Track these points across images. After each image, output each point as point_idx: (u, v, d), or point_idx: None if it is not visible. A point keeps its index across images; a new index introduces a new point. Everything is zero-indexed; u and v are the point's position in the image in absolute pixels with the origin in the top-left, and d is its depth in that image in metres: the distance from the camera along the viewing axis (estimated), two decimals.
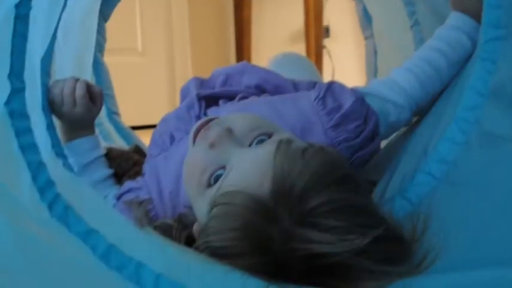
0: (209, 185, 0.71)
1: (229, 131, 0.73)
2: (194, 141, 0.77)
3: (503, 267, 0.61)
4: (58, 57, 1.19)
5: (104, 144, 1.22)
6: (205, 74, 1.13)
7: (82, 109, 1.02)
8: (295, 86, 1.07)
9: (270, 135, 0.73)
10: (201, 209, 0.70)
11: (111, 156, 1.14)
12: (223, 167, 0.70)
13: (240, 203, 0.60)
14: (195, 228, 0.74)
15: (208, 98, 1.03)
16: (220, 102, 1.02)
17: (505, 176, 0.70)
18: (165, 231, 0.75)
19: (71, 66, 1.36)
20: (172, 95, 3.36)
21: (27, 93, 0.71)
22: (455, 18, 0.95)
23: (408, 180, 0.75)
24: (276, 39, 3.63)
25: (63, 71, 1.26)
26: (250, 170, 0.65)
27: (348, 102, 0.90)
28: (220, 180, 0.68)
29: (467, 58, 0.91)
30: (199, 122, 0.79)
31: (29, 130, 0.68)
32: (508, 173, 0.70)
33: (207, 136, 0.74)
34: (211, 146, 0.72)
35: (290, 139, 0.68)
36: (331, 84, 0.94)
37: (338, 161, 0.65)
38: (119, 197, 0.96)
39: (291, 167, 0.61)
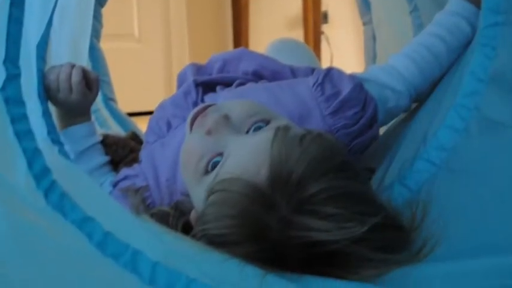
0: (206, 172, 0.70)
1: (227, 118, 0.72)
2: (191, 128, 0.77)
3: (503, 255, 0.61)
4: (54, 43, 1.17)
5: (100, 131, 1.22)
6: (203, 60, 1.13)
7: (78, 95, 1.02)
8: (293, 72, 1.06)
9: (267, 122, 0.72)
10: (198, 196, 0.69)
11: (107, 143, 1.13)
12: (221, 154, 0.69)
13: (237, 190, 0.59)
14: (192, 215, 0.73)
15: (205, 84, 1.02)
16: (218, 88, 1.02)
17: (505, 162, 0.70)
18: (162, 218, 0.75)
19: (67, 52, 1.35)
20: (169, 81, 3.35)
21: (22, 80, 0.70)
22: (455, 4, 0.94)
23: (407, 167, 0.75)
24: (273, 25, 3.61)
25: (59, 56, 1.25)
26: (247, 157, 0.65)
27: (346, 89, 0.89)
28: (218, 167, 0.68)
29: (466, 44, 0.91)
30: (196, 109, 0.78)
31: (24, 117, 0.68)
32: (508, 159, 0.70)
33: (204, 123, 0.73)
34: (209, 132, 0.71)
35: (288, 126, 0.67)
36: (330, 70, 0.94)
37: (336, 148, 0.64)
38: (115, 184, 0.96)
39: (289, 153, 0.60)
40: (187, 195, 0.77)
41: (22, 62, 0.70)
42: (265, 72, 1.05)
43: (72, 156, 1.04)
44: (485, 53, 0.75)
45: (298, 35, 3.47)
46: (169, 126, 0.98)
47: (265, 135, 0.66)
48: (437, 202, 0.64)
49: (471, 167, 0.71)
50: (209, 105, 0.77)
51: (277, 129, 0.65)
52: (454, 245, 0.60)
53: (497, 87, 0.73)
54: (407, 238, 0.59)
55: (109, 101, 1.62)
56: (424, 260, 0.57)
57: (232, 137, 0.70)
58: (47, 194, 0.63)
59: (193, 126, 0.76)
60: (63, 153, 0.96)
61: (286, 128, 0.65)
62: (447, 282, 0.59)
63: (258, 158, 0.63)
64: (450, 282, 0.59)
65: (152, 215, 0.75)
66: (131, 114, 1.78)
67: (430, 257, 0.57)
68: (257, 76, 1.05)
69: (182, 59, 3.37)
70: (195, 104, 0.97)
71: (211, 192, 0.62)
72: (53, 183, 0.64)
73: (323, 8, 3.50)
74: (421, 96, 0.96)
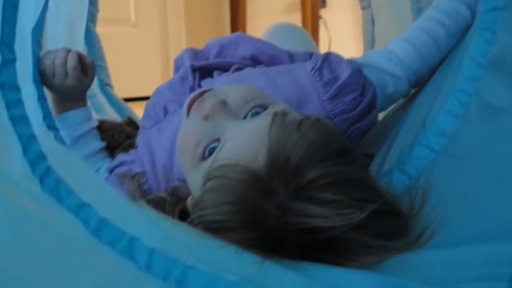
0: (203, 158, 0.70)
1: (224, 103, 0.71)
2: (188, 114, 0.76)
3: (503, 242, 0.60)
4: (50, 27, 1.17)
5: (96, 117, 1.21)
6: (199, 45, 1.12)
7: (74, 81, 1.01)
8: (291, 57, 1.06)
9: (265, 108, 0.71)
10: (195, 182, 0.69)
11: (103, 128, 1.13)
12: (218, 140, 0.68)
13: (234, 176, 0.59)
14: (189, 201, 0.73)
15: (202, 69, 1.02)
16: (215, 73, 1.01)
17: (505, 148, 0.69)
18: (159, 204, 0.75)
19: (63, 37, 1.35)
20: (165, 66, 3.34)
21: (18, 64, 0.69)
22: None
23: (406, 153, 0.74)
24: (271, 10, 3.60)
25: (55, 41, 1.24)
26: (245, 142, 0.64)
27: (344, 74, 0.89)
28: (215, 153, 0.67)
29: (466, 28, 0.90)
30: (193, 94, 0.77)
31: (19, 102, 0.67)
32: (508, 145, 0.69)
33: (201, 108, 0.73)
34: (206, 118, 0.71)
35: (285, 111, 0.66)
36: (328, 55, 0.93)
37: (335, 134, 0.64)
38: (111, 170, 0.96)
39: (287, 139, 0.59)
40: (184, 181, 0.76)
41: (17, 47, 0.70)
42: (262, 57, 1.05)
43: (67, 141, 1.04)
44: (485, 37, 0.75)
45: (296, 19, 3.45)
46: (165, 111, 0.97)
47: (263, 120, 0.65)
48: (437, 188, 0.63)
49: (471, 152, 0.71)
50: (206, 90, 0.77)
51: (275, 114, 0.64)
52: (453, 232, 0.59)
53: (497, 72, 0.73)
54: (407, 225, 0.58)
55: (105, 86, 1.62)
56: (423, 246, 0.56)
57: (230, 123, 0.69)
58: (42, 180, 0.62)
59: (190, 112, 0.76)
60: (59, 138, 0.96)
61: (284, 113, 0.65)
62: (446, 269, 0.58)
63: (255, 144, 0.63)
64: (449, 269, 0.58)
65: (149, 201, 0.75)
66: (127, 100, 1.77)
67: (429, 244, 0.56)
68: (255, 61, 1.04)
69: (179, 44, 3.35)
70: (192, 89, 0.96)
71: (208, 178, 0.62)
72: (49, 169, 0.63)
73: None
74: (421, 81, 0.95)
